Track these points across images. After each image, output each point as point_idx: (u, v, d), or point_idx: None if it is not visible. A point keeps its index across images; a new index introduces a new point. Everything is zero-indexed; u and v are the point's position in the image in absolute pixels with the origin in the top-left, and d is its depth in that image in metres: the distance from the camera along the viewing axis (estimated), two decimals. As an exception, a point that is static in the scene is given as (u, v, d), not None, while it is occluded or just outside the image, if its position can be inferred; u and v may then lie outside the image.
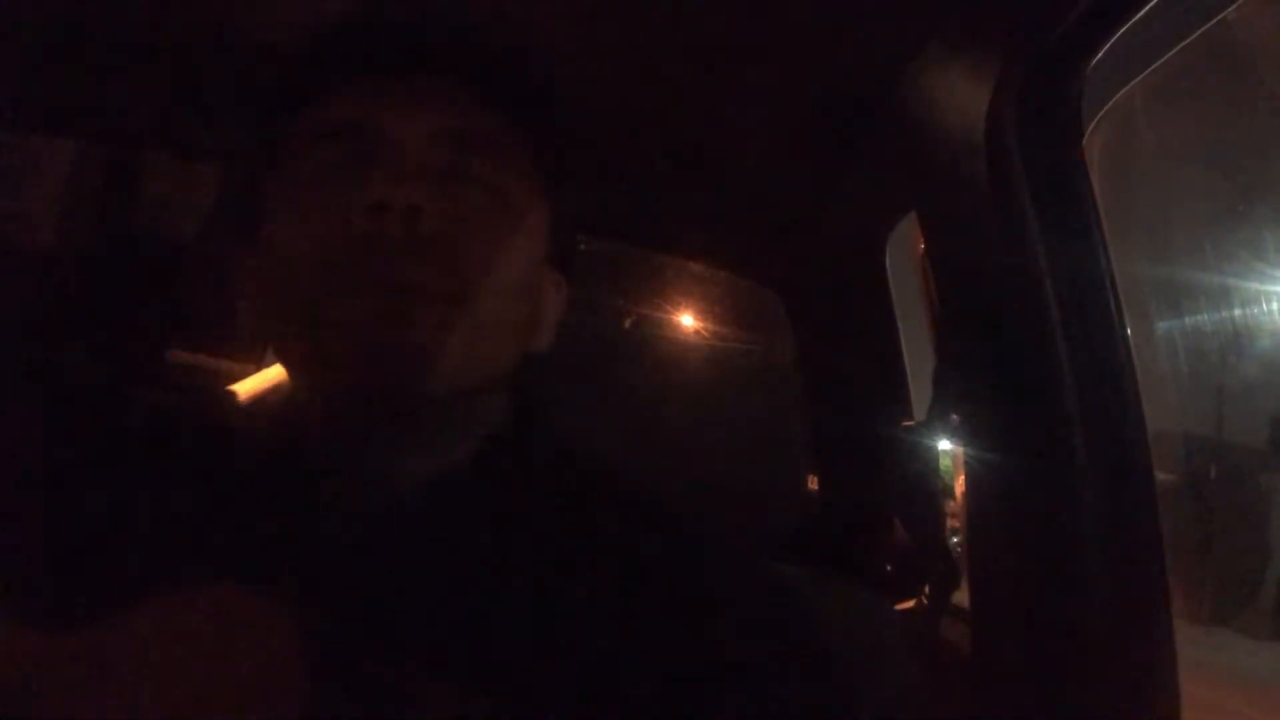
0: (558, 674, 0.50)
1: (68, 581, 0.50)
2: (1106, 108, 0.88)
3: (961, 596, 1.16)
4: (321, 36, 0.60)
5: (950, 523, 1.28)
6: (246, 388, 0.71)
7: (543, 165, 0.63)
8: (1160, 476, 0.80)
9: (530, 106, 0.62)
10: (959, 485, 1.05)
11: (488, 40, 0.61)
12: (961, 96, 0.83)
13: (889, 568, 1.35)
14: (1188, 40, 0.81)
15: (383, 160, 0.55)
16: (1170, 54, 0.82)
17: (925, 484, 1.25)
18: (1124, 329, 0.79)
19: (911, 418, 1.32)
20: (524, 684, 0.49)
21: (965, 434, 0.93)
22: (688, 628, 0.53)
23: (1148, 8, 0.71)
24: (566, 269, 0.68)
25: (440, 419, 0.57)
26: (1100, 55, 0.76)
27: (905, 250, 1.29)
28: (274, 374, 0.80)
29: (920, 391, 1.34)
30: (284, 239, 0.56)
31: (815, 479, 1.36)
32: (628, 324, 1.83)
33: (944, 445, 1.17)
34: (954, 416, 0.98)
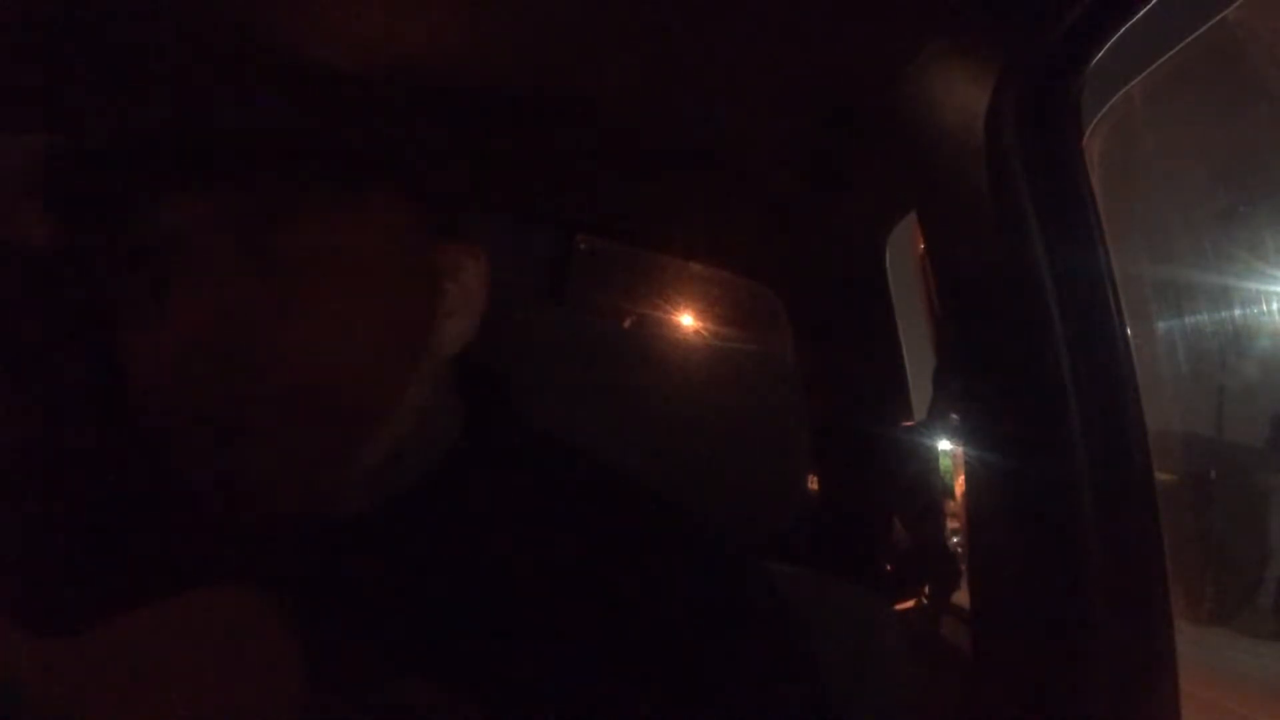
0: (547, 675, 0.50)
1: (67, 582, 0.50)
2: (1106, 108, 0.88)
3: (961, 596, 1.16)
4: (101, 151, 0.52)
5: (950, 523, 1.28)
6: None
7: (394, 173, 0.55)
8: (1160, 476, 0.80)
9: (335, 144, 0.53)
10: (959, 485, 1.05)
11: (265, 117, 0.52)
12: (961, 96, 0.83)
13: (889, 568, 1.35)
14: (1188, 40, 0.81)
15: (180, 278, 0.48)
16: (1170, 54, 0.82)
17: (925, 484, 1.25)
18: (1124, 329, 0.79)
19: (911, 418, 1.33)
20: (515, 686, 0.49)
21: (965, 434, 0.93)
22: (679, 627, 0.53)
23: (1147, 8, 0.71)
24: (480, 239, 0.60)
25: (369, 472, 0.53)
26: (1100, 55, 0.77)
27: (905, 250, 1.29)
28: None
29: (920, 391, 1.35)
30: (125, 359, 0.51)
31: (815, 479, 1.36)
32: (628, 324, 1.83)
33: (944, 445, 1.17)
34: (954, 416, 0.98)
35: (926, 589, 1.28)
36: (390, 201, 0.54)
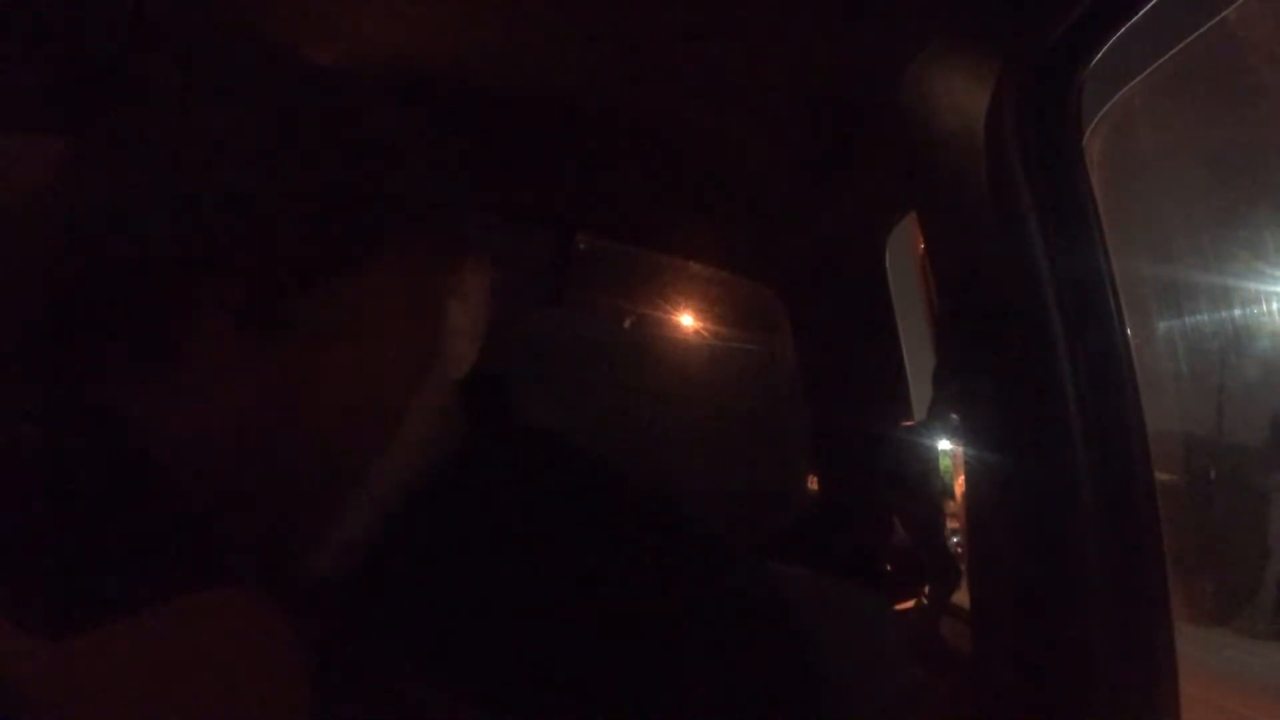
0: (548, 674, 0.50)
1: (67, 582, 0.50)
2: (1106, 108, 0.88)
3: (961, 596, 1.16)
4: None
5: (950, 523, 1.28)
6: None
7: (399, 206, 0.53)
8: (1160, 476, 0.80)
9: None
10: (959, 485, 1.05)
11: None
12: (961, 96, 0.83)
13: (889, 568, 1.35)
14: (1188, 40, 0.81)
15: (182, 375, 0.47)
16: (1170, 54, 0.82)
17: (925, 484, 1.25)
18: (1124, 329, 0.79)
19: (911, 418, 1.33)
20: (516, 686, 0.49)
21: (965, 434, 0.93)
22: (678, 628, 0.53)
23: (1147, 8, 0.71)
24: (482, 247, 0.58)
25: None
26: (1100, 55, 0.77)
27: (905, 250, 1.29)
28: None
29: (920, 391, 1.35)
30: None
31: (815, 479, 1.36)
32: (628, 324, 1.83)
33: (944, 445, 1.17)
34: (954, 416, 0.98)
35: (926, 589, 1.28)
36: (396, 243, 0.52)
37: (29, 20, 0.90)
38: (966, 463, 0.92)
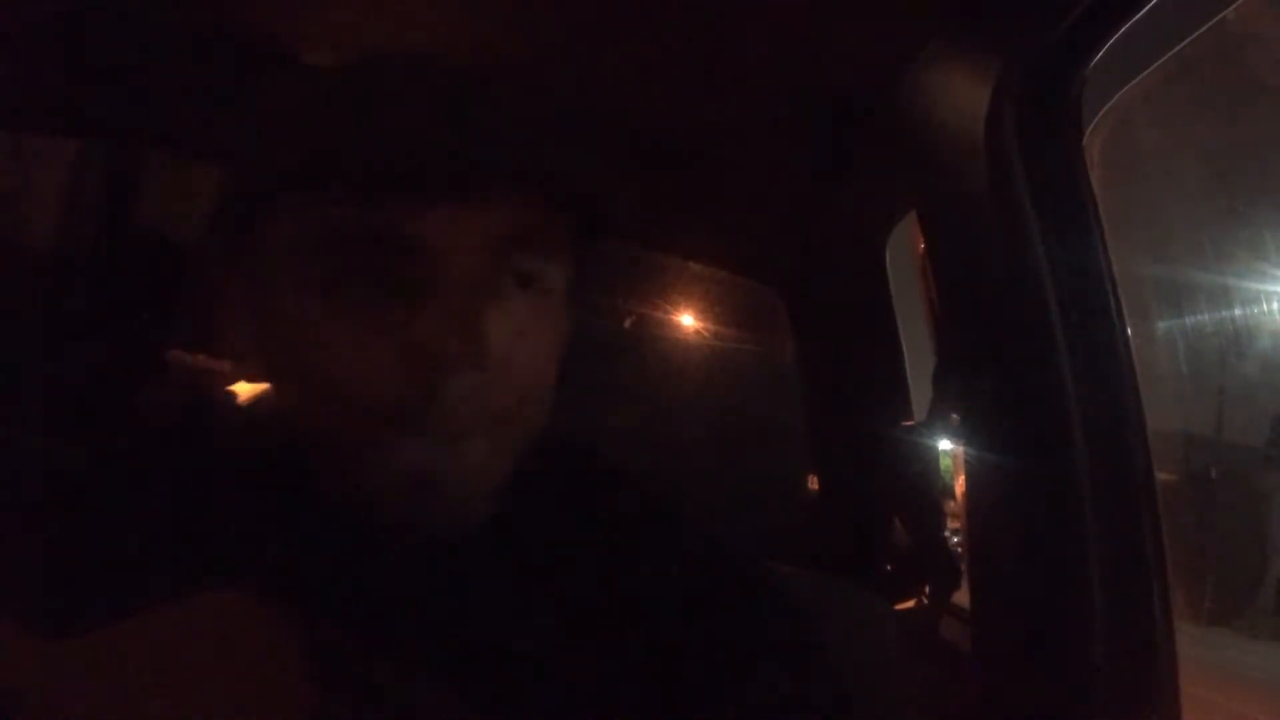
0: (556, 675, 0.50)
1: (68, 583, 0.50)
2: (1106, 108, 0.88)
3: (961, 596, 1.16)
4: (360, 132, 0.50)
5: (950, 523, 1.28)
6: (247, 388, 0.72)
7: (579, 233, 0.58)
8: (1160, 476, 0.80)
9: (577, 190, 0.56)
10: (959, 485, 1.05)
11: (530, 137, 0.56)
12: (961, 96, 0.83)
13: (889, 568, 1.35)
14: (1188, 40, 0.81)
15: (438, 286, 0.48)
16: (1170, 54, 0.82)
17: (925, 484, 1.25)
18: (1124, 329, 0.79)
19: (911, 418, 1.32)
20: (524, 688, 0.49)
21: (965, 434, 0.93)
22: (684, 628, 0.53)
23: (1148, 8, 0.71)
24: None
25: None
26: (1100, 55, 0.77)
27: (905, 250, 1.29)
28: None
29: (920, 391, 1.35)
30: (307, 361, 0.50)
31: (815, 479, 1.36)
32: (628, 324, 1.83)
33: (944, 445, 1.17)
34: (954, 416, 0.98)
35: (926, 589, 1.28)
36: (570, 225, 0.56)
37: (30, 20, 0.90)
38: (966, 463, 0.92)
